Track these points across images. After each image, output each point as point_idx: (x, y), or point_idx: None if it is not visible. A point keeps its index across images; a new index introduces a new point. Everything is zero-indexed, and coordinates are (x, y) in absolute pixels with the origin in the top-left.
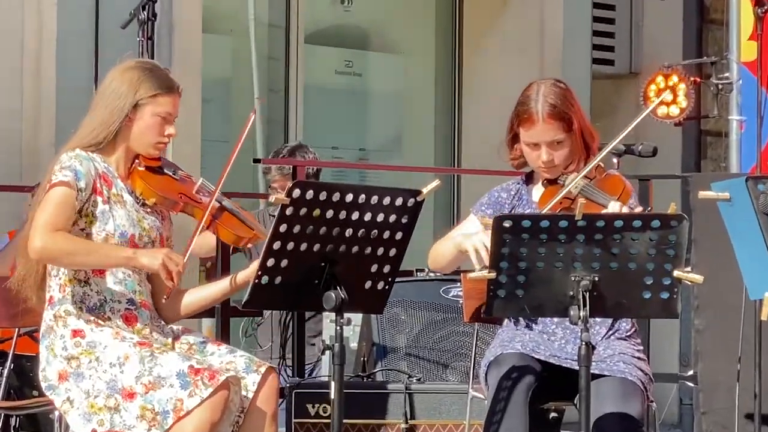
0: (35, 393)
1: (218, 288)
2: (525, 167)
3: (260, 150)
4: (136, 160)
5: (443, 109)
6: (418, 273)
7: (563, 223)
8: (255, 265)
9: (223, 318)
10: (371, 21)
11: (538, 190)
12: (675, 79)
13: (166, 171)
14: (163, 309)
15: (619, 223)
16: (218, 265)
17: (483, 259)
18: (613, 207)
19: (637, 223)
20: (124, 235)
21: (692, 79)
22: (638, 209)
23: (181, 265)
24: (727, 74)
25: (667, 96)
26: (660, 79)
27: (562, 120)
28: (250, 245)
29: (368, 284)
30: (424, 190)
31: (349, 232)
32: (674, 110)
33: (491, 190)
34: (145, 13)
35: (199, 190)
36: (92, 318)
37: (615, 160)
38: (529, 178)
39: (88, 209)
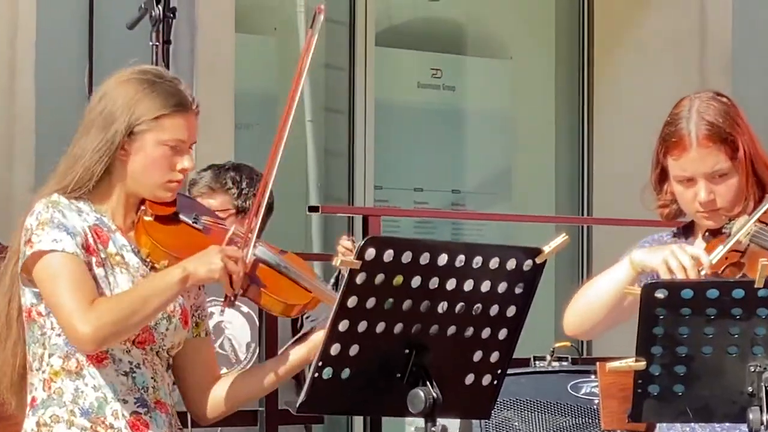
0: None
1: (265, 373)
2: (679, 217)
3: (314, 194)
4: (142, 207)
5: (567, 136)
6: (538, 362)
7: (738, 293)
8: (317, 338)
9: (269, 428)
10: (467, 16)
11: (698, 247)
12: None
13: (183, 218)
14: (195, 402)
15: None
16: (261, 340)
17: (691, 276)
18: None
19: None
20: None
21: None
22: None
23: (243, 262)
24: None
25: None
26: None
27: (724, 143)
28: (306, 312)
29: (470, 379)
30: (546, 249)
31: (442, 306)
32: None
33: (639, 242)
34: (160, 7)
35: (232, 242)
36: (88, 425)
37: None
38: (688, 230)
39: None
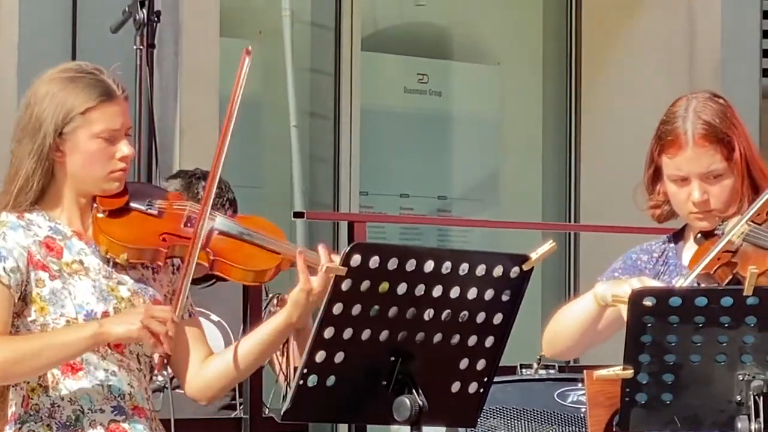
0: None
1: (264, 335)
2: (671, 219)
3: (299, 199)
4: (95, 204)
5: (554, 142)
6: (524, 370)
7: (727, 301)
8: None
9: None
10: (454, 21)
11: (690, 250)
12: None
13: (134, 206)
14: (191, 385)
15: None
16: (245, 316)
17: None
18: None
19: None
20: (92, 314)
21: None
22: None
23: (170, 322)
24: None
25: None
26: None
27: (720, 143)
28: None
29: (456, 386)
30: (534, 256)
31: (428, 314)
32: None
33: (627, 252)
34: (144, 11)
35: (190, 221)
36: None
37: None
38: (679, 236)
39: (32, 293)
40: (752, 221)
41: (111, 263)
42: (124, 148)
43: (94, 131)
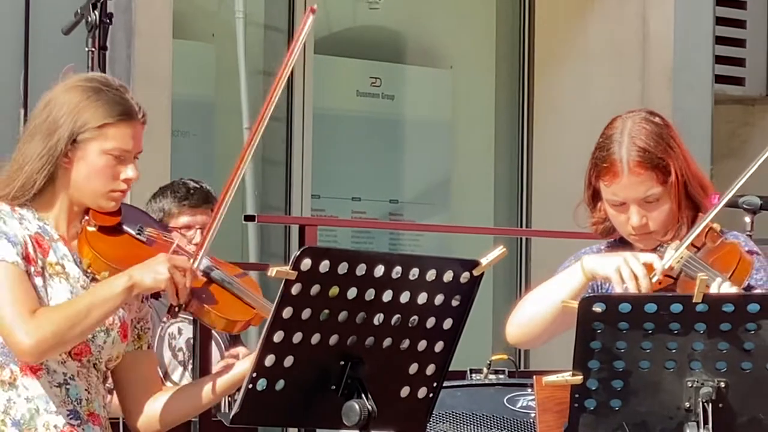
0: None
1: (202, 389)
2: (612, 234)
3: (251, 203)
4: (86, 217)
5: (506, 147)
6: (474, 375)
7: (676, 308)
8: (246, 363)
9: None
10: (407, 25)
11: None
12: None
13: (126, 229)
14: (132, 415)
15: (754, 308)
16: (196, 354)
17: (642, 285)
18: (718, 289)
19: None
20: None
21: None
22: None
23: (189, 271)
24: None
25: None
26: None
27: (656, 169)
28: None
29: (405, 391)
30: (484, 261)
31: (378, 318)
32: None
33: (578, 252)
34: (97, 13)
35: (176, 254)
36: None
37: (748, 220)
38: (626, 242)
39: None
40: (693, 245)
41: (90, 277)
42: (130, 171)
43: (106, 147)
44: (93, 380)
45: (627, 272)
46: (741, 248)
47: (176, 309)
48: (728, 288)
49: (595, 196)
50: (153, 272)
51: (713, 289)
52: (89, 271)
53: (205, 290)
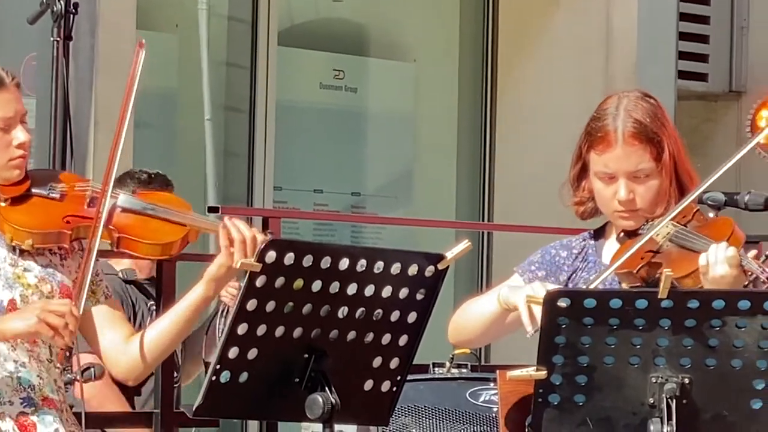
0: None
1: (180, 311)
2: (595, 216)
3: (212, 194)
4: None
5: (469, 140)
6: (437, 369)
7: (641, 303)
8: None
9: (166, 429)
10: (371, 17)
11: (611, 247)
12: None
13: (36, 192)
14: (114, 366)
15: (719, 304)
16: (159, 293)
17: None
18: (716, 254)
19: (744, 304)
20: None
21: None
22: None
23: (70, 315)
24: None
25: None
26: None
27: (650, 143)
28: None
29: (369, 384)
30: (449, 255)
31: (343, 311)
32: None
33: (546, 246)
34: (62, 2)
35: (93, 201)
36: None
37: (711, 215)
38: (599, 233)
39: None
40: (677, 222)
41: (17, 251)
42: (20, 135)
43: None
44: (45, 363)
45: (527, 310)
46: (735, 224)
47: (67, 353)
48: (729, 250)
49: (581, 174)
50: (22, 318)
51: (712, 253)
52: (14, 244)
53: (129, 224)
